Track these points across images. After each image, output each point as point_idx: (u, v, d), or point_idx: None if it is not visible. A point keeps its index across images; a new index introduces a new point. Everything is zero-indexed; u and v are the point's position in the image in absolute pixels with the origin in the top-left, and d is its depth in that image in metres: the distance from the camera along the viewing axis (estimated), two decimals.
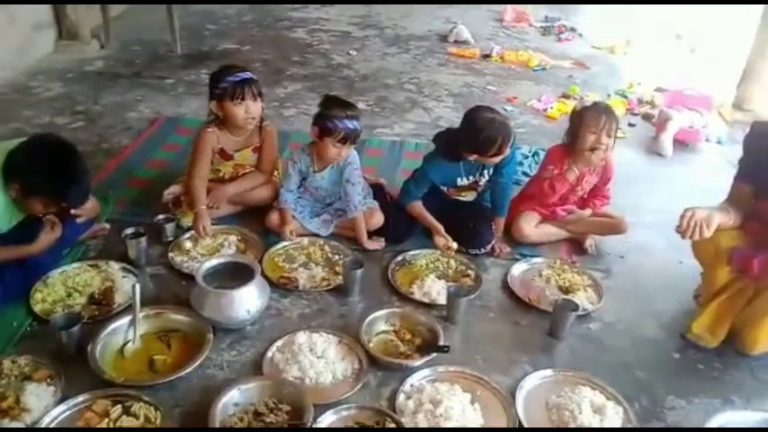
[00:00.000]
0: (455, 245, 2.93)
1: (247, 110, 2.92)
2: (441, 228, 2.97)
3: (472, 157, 2.83)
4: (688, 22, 6.89)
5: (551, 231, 3.08)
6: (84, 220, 2.71)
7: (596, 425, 2.10)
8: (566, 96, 4.94)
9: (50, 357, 2.22)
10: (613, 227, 3.07)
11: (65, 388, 2.10)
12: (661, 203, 3.42)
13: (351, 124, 2.84)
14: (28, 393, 2.04)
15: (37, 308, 2.45)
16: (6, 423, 1.95)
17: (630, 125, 4.57)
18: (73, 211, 2.52)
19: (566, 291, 2.79)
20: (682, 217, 2.33)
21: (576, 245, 3.11)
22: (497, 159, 2.83)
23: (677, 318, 2.70)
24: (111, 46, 5.39)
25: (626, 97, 4.97)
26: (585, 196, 3.13)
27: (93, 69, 4.97)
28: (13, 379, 2.12)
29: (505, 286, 2.81)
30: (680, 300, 2.82)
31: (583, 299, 2.72)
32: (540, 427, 2.13)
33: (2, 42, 4.57)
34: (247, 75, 2.92)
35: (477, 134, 2.75)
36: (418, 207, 3.02)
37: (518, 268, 2.91)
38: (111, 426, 1.99)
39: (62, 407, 2.03)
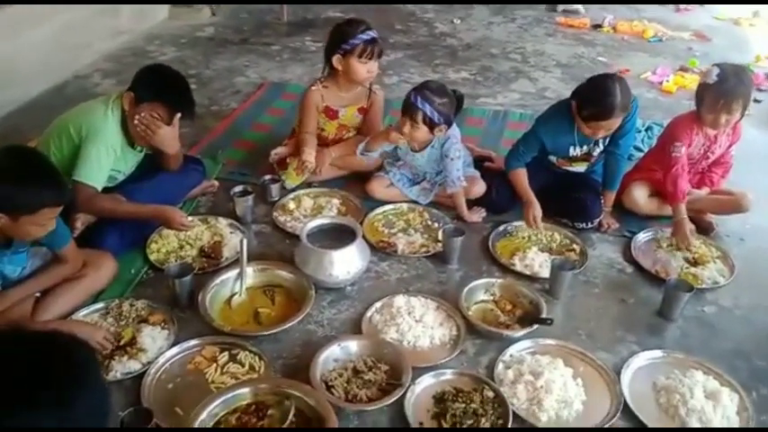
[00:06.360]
0: (541, 225, 2.81)
1: (370, 69, 2.96)
2: (535, 202, 2.81)
3: (582, 117, 2.67)
4: None
5: (665, 205, 2.88)
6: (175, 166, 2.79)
7: (709, 411, 1.98)
8: (684, 69, 4.63)
9: (164, 303, 2.35)
10: (734, 204, 2.85)
11: (177, 332, 2.22)
12: None
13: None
14: (144, 335, 2.16)
15: (152, 257, 2.59)
16: (125, 361, 2.08)
17: (756, 101, 4.22)
18: (161, 142, 2.59)
19: (694, 263, 2.66)
20: None
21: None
22: (601, 130, 2.66)
23: None
24: (221, 13, 5.57)
25: (752, 72, 4.57)
26: (706, 168, 2.94)
27: (205, 35, 5.15)
28: (131, 320, 2.26)
29: (612, 263, 2.69)
30: None
31: (714, 272, 2.60)
32: (645, 409, 2.02)
33: (124, 9, 4.82)
34: (376, 34, 2.94)
35: (592, 89, 2.64)
36: (520, 175, 2.88)
37: (641, 238, 2.80)
38: (219, 371, 2.08)
39: (175, 349, 2.14)
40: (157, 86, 2.53)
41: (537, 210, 2.80)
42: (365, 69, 2.95)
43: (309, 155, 2.98)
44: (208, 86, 4.25)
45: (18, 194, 1.91)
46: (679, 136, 2.76)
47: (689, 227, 2.71)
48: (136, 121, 2.49)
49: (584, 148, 2.83)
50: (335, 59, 2.94)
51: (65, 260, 2.25)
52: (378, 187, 3.03)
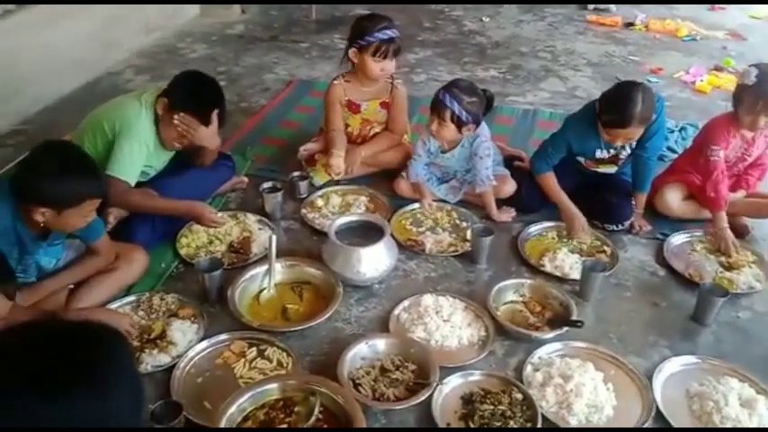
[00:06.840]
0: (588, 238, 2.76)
1: (384, 68, 2.95)
2: (579, 214, 2.75)
3: (601, 123, 2.64)
4: None
5: (699, 208, 2.84)
6: (210, 161, 2.82)
7: (744, 419, 1.93)
8: (718, 69, 4.54)
9: (194, 298, 2.37)
10: None
11: (206, 326, 2.24)
12: None
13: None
14: (174, 329, 2.18)
15: (182, 252, 2.61)
16: (155, 354, 2.10)
17: None
18: (201, 140, 2.61)
19: (729, 267, 2.61)
20: None
21: None
22: (619, 137, 2.62)
23: None
24: (251, 11, 5.60)
25: None
26: (742, 171, 2.87)
27: (235, 33, 5.18)
28: (161, 314, 2.29)
29: (644, 265, 2.65)
30: None
31: (749, 276, 2.55)
32: (678, 416, 1.98)
33: (155, 6, 4.87)
34: (395, 33, 2.92)
35: (615, 95, 2.61)
36: (550, 180, 2.82)
37: (674, 241, 2.75)
38: (248, 366, 2.09)
39: (204, 343, 2.16)
40: (191, 96, 2.55)
41: (584, 221, 2.74)
42: (378, 67, 2.94)
43: (338, 158, 2.97)
44: (237, 83, 4.27)
45: (62, 188, 1.95)
46: (716, 139, 2.70)
47: (730, 238, 2.66)
48: (176, 120, 2.52)
49: (611, 150, 2.78)
50: (351, 53, 2.96)
51: (98, 253, 2.28)
52: (406, 185, 3.02)
